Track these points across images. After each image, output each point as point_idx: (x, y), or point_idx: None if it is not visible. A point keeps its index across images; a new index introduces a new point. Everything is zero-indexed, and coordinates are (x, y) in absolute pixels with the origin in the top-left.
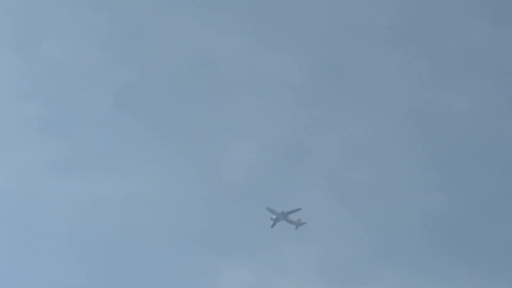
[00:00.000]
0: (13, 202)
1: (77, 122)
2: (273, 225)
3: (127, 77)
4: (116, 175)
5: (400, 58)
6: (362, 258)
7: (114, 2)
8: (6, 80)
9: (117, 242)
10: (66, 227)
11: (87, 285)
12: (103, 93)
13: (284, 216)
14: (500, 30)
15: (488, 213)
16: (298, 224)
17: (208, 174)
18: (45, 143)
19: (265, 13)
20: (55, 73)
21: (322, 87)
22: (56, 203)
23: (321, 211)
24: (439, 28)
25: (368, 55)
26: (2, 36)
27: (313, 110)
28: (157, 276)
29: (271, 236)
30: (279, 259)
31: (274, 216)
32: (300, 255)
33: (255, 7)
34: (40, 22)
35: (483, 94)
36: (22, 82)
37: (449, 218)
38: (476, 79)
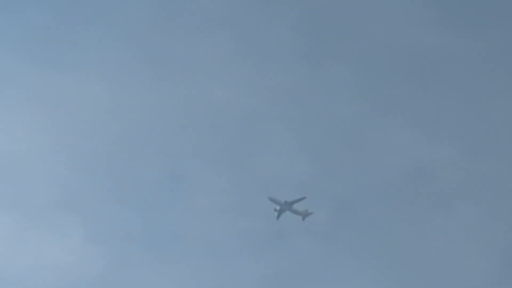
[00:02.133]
0: None
1: (290, 234)
2: (278, 217)
3: (341, 188)
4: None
5: None
6: None
7: (322, 115)
8: (222, 196)
9: None
10: None
11: None
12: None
13: (288, 206)
14: None
15: None
16: (305, 214)
17: (430, 285)
18: (260, 257)
19: (477, 118)
20: (267, 187)
21: None
22: None
23: None
24: None
25: None
26: (214, 153)
27: None
28: None
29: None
30: None
31: (277, 207)
32: None
33: (467, 113)
34: (251, 137)
35: None
36: (235, 197)
37: None
38: None
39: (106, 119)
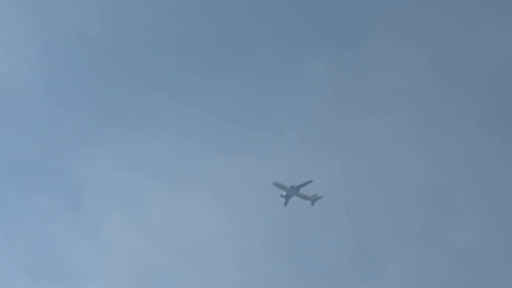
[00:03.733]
0: None
1: None
2: (286, 203)
3: None
4: None
5: None
6: None
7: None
8: (414, 269)
9: None
10: None
11: None
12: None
13: (294, 190)
14: None
15: None
16: (314, 199)
17: None
18: None
19: None
20: (459, 258)
21: None
22: None
23: None
24: None
25: None
26: (404, 227)
27: None
28: None
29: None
30: None
31: (284, 193)
32: None
33: None
34: (440, 208)
35: None
36: (428, 270)
37: None
38: None
39: None
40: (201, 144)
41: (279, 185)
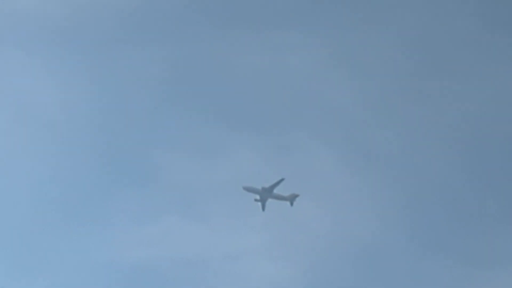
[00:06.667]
0: None
1: None
2: (263, 207)
3: None
4: None
5: None
6: None
7: None
8: None
9: None
10: None
11: None
12: None
13: (268, 192)
14: None
15: None
16: (292, 198)
17: None
18: None
19: None
20: None
21: None
22: None
23: None
24: None
25: None
26: None
27: None
28: None
29: None
30: None
31: (257, 196)
32: None
33: None
34: None
35: None
36: None
37: None
38: None
39: None
40: None
41: (249, 189)
